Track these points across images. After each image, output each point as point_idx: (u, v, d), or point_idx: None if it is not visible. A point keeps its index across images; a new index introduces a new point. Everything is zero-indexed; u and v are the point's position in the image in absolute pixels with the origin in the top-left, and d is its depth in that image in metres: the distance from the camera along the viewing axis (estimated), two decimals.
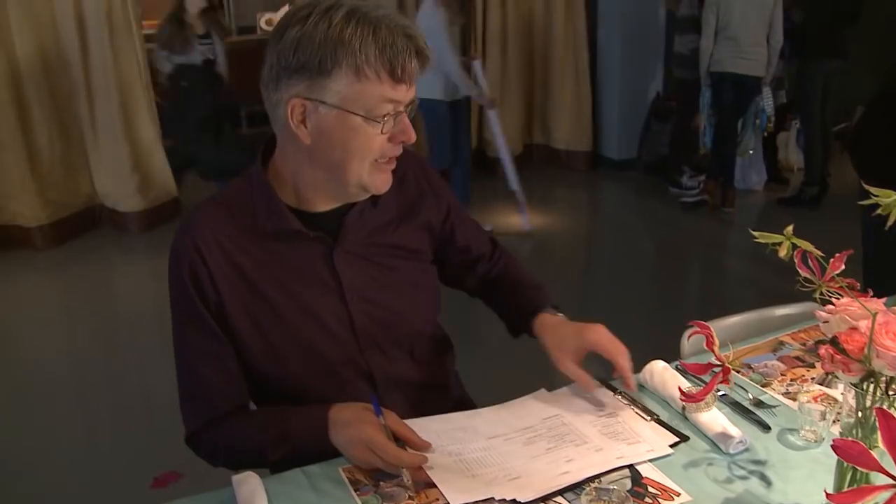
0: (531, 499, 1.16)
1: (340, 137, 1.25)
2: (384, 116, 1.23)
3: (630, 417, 1.38)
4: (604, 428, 1.36)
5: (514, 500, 1.16)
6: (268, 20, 7.69)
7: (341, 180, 1.30)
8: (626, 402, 1.42)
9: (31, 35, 4.84)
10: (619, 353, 1.41)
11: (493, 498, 1.17)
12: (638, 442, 1.31)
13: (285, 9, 7.60)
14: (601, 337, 1.42)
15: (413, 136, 1.28)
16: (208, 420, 1.38)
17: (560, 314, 1.53)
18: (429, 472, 1.23)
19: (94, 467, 2.90)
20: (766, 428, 1.35)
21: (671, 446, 1.30)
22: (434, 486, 1.21)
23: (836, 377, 1.07)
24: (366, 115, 1.22)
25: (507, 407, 1.44)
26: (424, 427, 1.33)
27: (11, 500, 2.72)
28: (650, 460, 1.26)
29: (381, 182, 1.32)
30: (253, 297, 1.34)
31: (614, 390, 1.45)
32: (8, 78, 4.77)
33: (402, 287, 1.46)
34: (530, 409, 1.43)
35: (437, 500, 1.18)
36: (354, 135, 1.24)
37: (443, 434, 1.33)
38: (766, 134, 5.77)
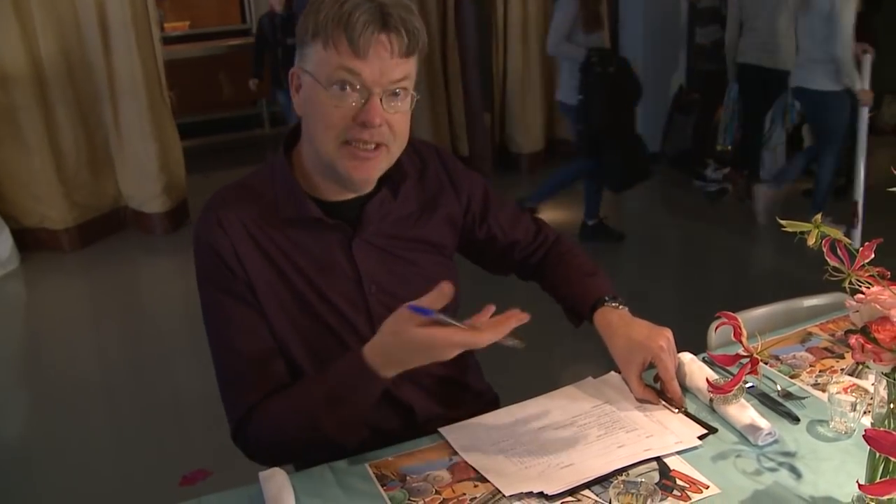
0: (559, 491, 1.16)
1: (311, 105, 1.26)
2: (335, 84, 1.21)
3: (658, 409, 1.37)
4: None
5: (541, 493, 1.16)
6: None
7: (318, 157, 1.29)
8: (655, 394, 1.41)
9: (55, 38, 4.89)
10: (671, 379, 1.39)
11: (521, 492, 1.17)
12: (665, 434, 1.30)
13: None
14: (662, 352, 1.38)
15: (372, 119, 1.22)
16: (254, 404, 1.32)
17: (622, 307, 1.48)
18: (479, 468, 1.23)
19: (123, 466, 2.93)
20: (795, 419, 1.34)
21: (699, 438, 1.29)
22: (464, 480, 1.21)
23: (867, 367, 1.06)
24: (324, 82, 1.22)
25: (556, 396, 1.44)
26: (474, 428, 1.35)
27: (42, 498, 2.76)
28: (678, 452, 1.25)
29: (354, 169, 1.27)
30: (278, 280, 1.33)
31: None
32: (33, 80, 4.82)
33: (420, 281, 1.41)
34: (579, 397, 1.43)
35: (464, 494, 1.18)
36: (318, 103, 1.24)
37: (493, 430, 1.33)
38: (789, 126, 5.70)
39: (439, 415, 1.42)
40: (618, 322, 1.45)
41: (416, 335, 1.13)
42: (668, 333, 1.41)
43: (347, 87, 1.21)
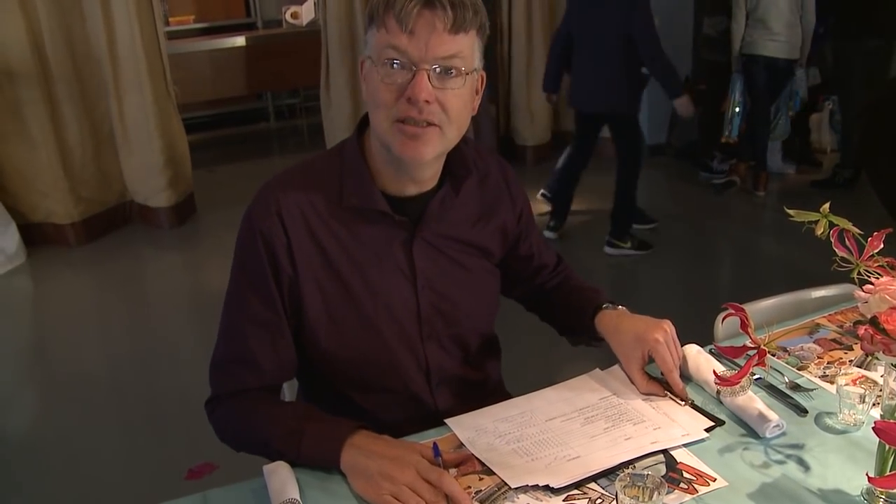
0: (564, 484, 1.15)
1: (368, 87, 1.27)
2: (384, 61, 1.22)
3: (665, 402, 1.37)
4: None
5: (546, 486, 1.15)
6: (293, 13, 7.70)
7: (378, 139, 1.29)
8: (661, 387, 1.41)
9: (60, 33, 4.88)
10: (670, 370, 1.38)
11: (526, 485, 1.16)
12: (672, 426, 1.29)
13: (310, 1, 7.64)
14: (658, 345, 1.38)
15: (417, 94, 1.20)
16: (238, 390, 1.36)
17: (621, 306, 1.51)
18: (485, 461, 1.22)
19: (129, 460, 2.93)
20: (803, 412, 1.32)
21: (706, 431, 1.28)
22: (469, 473, 1.20)
23: (877, 358, 1.05)
24: (375, 61, 1.24)
25: (563, 388, 1.44)
26: (480, 420, 1.34)
27: (50, 492, 2.76)
28: (685, 445, 1.24)
29: (403, 146, 1.25)
30: (327, 272, 1.34)
31: (649, 376, 1.43)
32: (38, 76, 4.81)
33: (470, 286, 1.46)
34: (587, 389, 1.43)
35: (469, 487, 1.17)
36: (371, 82, 1.25)
37: (499, 422, 1.33)
38: (792, 115, 5.67)
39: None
40: (616, 320, 1.47)
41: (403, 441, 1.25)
42: (667, 325, 1.41)
43: (396, 65, 1.21)
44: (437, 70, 1.22)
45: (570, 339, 1.62)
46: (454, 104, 1.25)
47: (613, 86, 4.37)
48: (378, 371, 1.40)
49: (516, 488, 1.16)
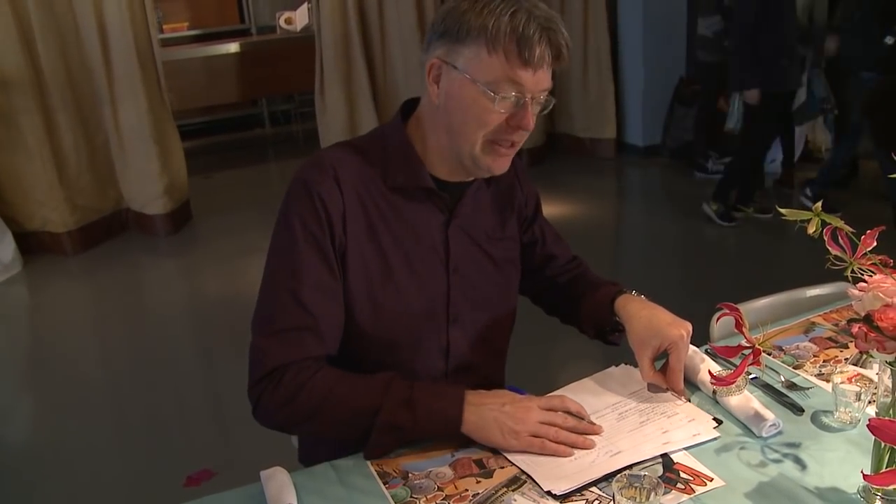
0: (566, 490, 1.15)
1: (461, 103, 1.29)
2: (502, 95, 1.27)
3: (670, 399, 1.37)
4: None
5: (548, 492, 1.15)
6: (287, 19, 7.70)
7: (456, 148, 1.34)
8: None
9: (54, 42, 4.88)
10: (679, 370, 1.39)
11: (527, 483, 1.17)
12: (701, 421, 1.30)
13: (304, 7, 7.64)
14: (681, 341, 1.38)
15: (530, 125, 1.30)
16: (300, 358, 1.30)
17: (642, 296, 1.52)
18: (518, 463, 1.23)
19: (128, 467, 2.93)
20: (799, 410, 1.33)
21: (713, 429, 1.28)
22: (466, 476, 1.20)
23: (871, 356, 1.05)
24: (486, 87, 1.26)
25: (590, 383, 1.45)
26: None
27: (48, 500, 2.76)
28: (695, 445, 1.25)
29: (495, 164, 1.35)
30: (371, 247, 1.36)
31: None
32: (33, 85, 4.81)
33: (495, 277, 1.51)
34: (615, 384, 1.44)
35: (467, 490, 1.17)
36: (473, 104, 1.28)
37: None
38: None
39: None
40: (639, 305, 1.48)
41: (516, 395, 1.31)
42: (689, 327, 1.42)
43: (512, 96, 1.27)
44: (536, 100, 1.30)
45: (588, 330, 1.60)
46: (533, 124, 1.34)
47: None
48: (402, 348, 1.41)
49: (514, 490, 1.16)
